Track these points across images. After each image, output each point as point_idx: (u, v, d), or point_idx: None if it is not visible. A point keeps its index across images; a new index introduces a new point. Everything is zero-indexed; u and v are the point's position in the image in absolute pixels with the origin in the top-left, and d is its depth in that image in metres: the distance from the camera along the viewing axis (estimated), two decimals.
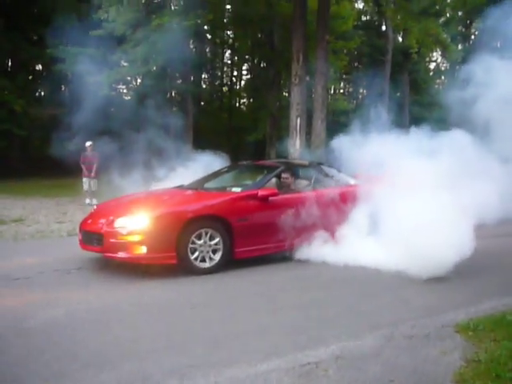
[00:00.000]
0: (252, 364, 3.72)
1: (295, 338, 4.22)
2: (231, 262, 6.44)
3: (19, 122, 21.44)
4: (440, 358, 3.87)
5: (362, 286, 5.84)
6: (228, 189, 7.18)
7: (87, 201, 13.97)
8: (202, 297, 5.39)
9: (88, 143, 14.30)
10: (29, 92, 23.51)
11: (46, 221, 11.16)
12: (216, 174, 7.95)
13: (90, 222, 6.61)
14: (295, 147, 17.85)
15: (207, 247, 6.21)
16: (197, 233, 6.14)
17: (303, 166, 8.07)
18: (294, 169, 7.73)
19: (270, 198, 6.69)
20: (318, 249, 6.73)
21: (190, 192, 7.17)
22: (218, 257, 6.27)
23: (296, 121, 17.92)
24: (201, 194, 6.97)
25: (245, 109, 37.08)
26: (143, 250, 5.93)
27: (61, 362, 3.72)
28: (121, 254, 6.02)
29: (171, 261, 6.01)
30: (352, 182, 7.54)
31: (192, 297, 5.35)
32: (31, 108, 21.62)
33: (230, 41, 33.73)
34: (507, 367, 3.67)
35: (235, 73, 37.53)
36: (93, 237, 6.32)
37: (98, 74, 18.79)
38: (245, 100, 38.38)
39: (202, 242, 6.17)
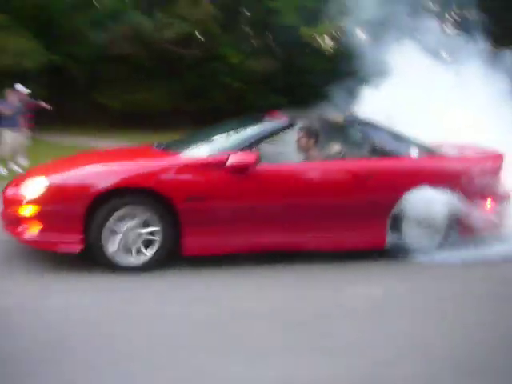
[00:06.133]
0: None
1: None
2: (180, 258, 4.37)
3: (236, 74, 21.05)
4: None
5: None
6: (195, 151, 4.84)
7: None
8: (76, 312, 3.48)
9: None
10: (245, 45, 23.08)
11: None
12: (213, 130, 5.57)
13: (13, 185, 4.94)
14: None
15: (136, 235, 4.20)
16: (119, 213, 4.15)
17: (335, 124, 5.33)
18: (318, 126, 5.09)
19: (250, 170, 4.40)
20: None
21: (145, 152, 5.09)
22: (152, 251, 4.24)
23: None
24: (149, 157, 4.81)
25: None
26: (37, 228, 4.13)
27: None
28: (18, 231, 4.27)
29: (75, 247, 4.09)
30: (416, 152, 4.88)
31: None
32: (247, 61, 21.04)
33: None
34: None
35: None
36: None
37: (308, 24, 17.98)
38: None
39: (127, 226, 4.18)
